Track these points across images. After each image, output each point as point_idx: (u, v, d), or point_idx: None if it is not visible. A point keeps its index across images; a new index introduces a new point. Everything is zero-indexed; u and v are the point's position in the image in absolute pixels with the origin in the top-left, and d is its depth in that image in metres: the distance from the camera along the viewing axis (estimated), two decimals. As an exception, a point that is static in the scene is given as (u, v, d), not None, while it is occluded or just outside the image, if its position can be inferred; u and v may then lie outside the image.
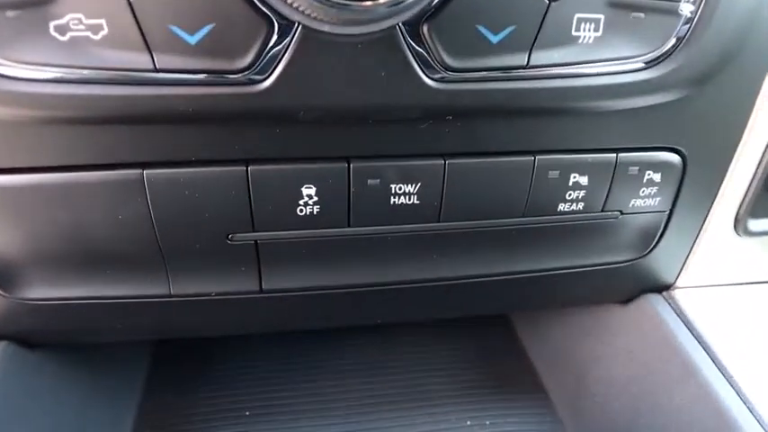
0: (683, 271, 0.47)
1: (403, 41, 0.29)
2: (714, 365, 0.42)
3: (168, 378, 0.59)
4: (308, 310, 0.44)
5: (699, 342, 0.44)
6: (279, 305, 0.42)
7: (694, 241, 0.46)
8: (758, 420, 0.39)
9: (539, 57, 0.32)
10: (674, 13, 0.32)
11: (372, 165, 0.35)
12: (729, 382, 0.41)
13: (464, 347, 0.61)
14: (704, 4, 0.32)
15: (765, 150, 0.42)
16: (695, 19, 0.32)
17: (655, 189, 0.40)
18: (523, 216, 0.39)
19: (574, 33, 0.31)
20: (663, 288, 0.48)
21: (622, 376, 0.50)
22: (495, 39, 0.30)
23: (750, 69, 0.37)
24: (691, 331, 0.45)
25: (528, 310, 0.52)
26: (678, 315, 0.46)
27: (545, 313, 0.60)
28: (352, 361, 0.59)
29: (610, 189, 0.39)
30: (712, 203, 0.43)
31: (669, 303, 0.47)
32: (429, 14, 0.29)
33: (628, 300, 0.49)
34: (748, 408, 0.39)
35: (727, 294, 0.48)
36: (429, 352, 0.60)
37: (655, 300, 0.48)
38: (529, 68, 0.32)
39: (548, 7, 0.30)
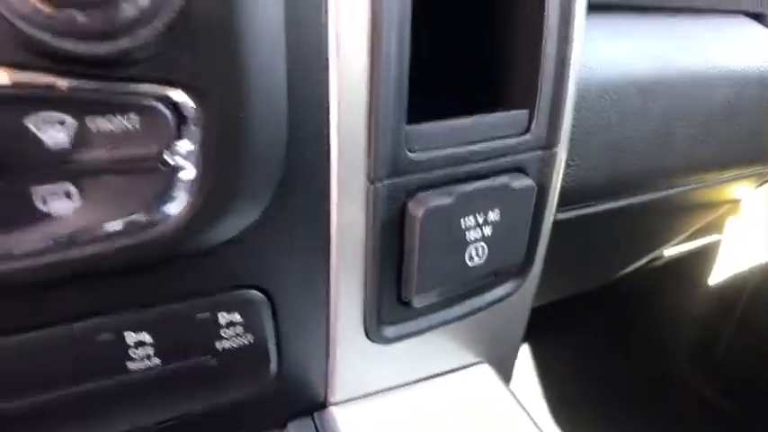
0: (330, 388, 0.46)
1: None
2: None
3: None
4: None
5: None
6: None
7: (327, 360, 0.44)
8: None
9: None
10: (155, 170, 0.30)
11: None
12: None
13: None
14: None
15: (365, 260, 0.41)
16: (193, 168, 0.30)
17: (240, 328, 0.39)
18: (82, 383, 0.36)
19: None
20: (314, 408, 0.47)
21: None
22: None
23: (305, 191, 0.36)
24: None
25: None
26: (320, 437, 0.44)
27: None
28: None
29: (182, 340, 0.37)
30: (328, 322, 0.42)
31: (316, 424, 0.45)
32: None
33: (283, 425, 0.47)
34: None
35: (379, 403, 0.48)
36: None
37: (300, 424, 0.46)
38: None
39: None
